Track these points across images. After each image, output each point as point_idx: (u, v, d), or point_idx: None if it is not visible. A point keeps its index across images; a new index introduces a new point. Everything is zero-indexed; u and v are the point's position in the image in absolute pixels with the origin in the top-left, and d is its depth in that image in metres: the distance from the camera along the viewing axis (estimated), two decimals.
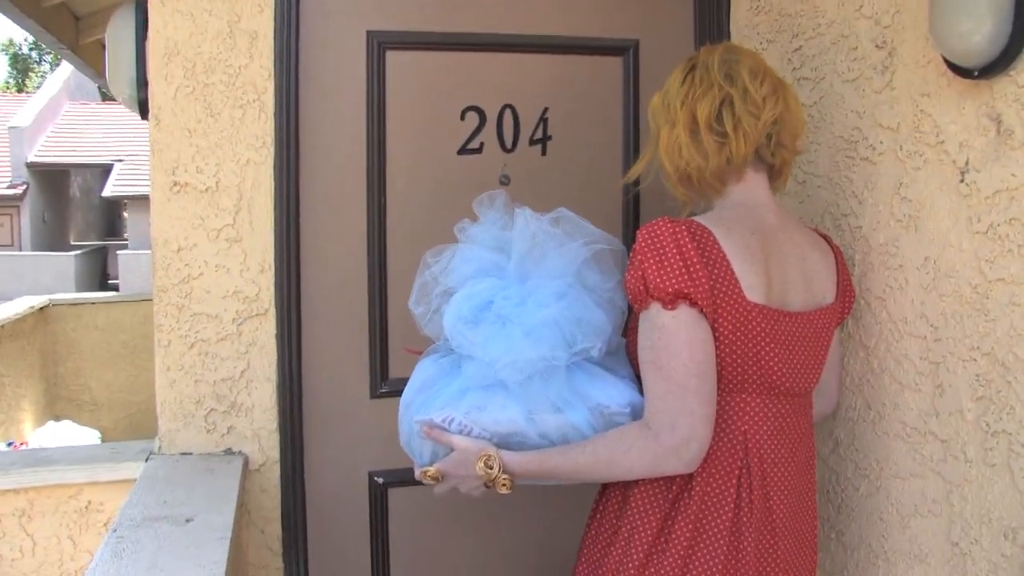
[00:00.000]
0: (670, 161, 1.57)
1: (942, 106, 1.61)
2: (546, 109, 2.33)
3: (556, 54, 2.33)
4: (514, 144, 2.32)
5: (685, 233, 1.40)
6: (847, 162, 1.88)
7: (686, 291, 1.37)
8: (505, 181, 2.28)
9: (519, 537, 2.39)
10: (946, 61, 1.55)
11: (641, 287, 1.41)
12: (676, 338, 1.38)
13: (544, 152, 2.34)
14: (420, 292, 1.62)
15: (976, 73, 1.47)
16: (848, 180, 1.87)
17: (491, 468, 1.47)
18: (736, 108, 1.50)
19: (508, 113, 2.31)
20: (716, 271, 1.40)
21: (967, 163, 1.54)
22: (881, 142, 1.77)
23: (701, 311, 1.38)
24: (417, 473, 1.59)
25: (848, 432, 1.90)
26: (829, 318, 1.59)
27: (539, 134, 2.33)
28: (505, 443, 1.50)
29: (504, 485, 1.48)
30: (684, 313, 1.38)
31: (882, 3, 1.76)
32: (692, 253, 1.38)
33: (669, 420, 1.38)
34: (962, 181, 1.55)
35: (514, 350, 1.48)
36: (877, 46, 1.78)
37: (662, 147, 1.58)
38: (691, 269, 1.38)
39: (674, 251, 1.39)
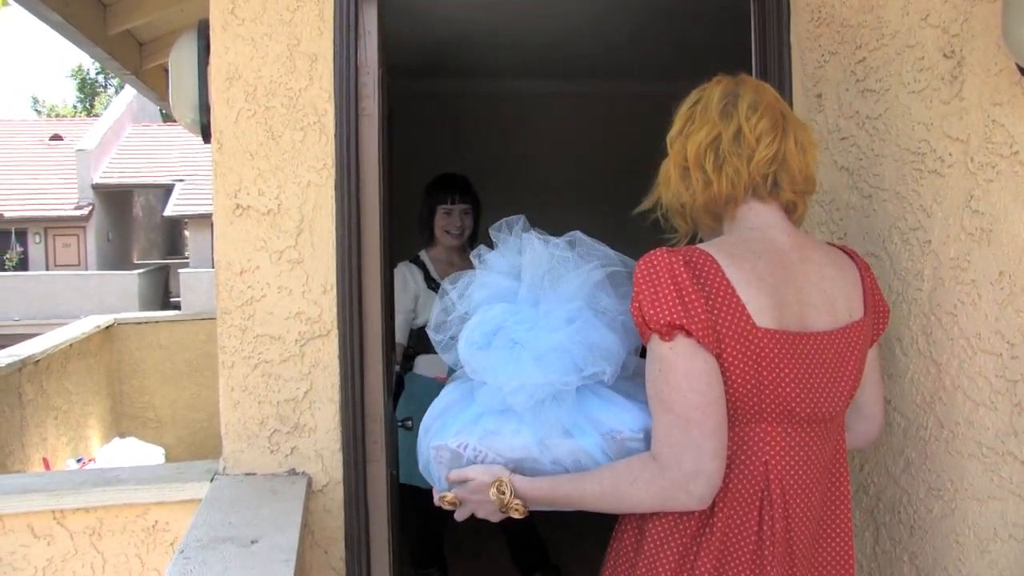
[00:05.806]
0: (664, 192, 1.57)
1: (1016, 115, 1.56)
2: None
3: None
4: None
5: (681, 263, 1.36)
6: (914, 175, 1.83)
7: (680, 322, 1.33)
8: None
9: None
10: (1020, 69, 1.50)
11: (640, 319, 1.38)
12: (675, 370, 1.35)
13: None
14: (439, 319, 1.63)
15: None
16: (916, 193, 1.83)
17: (503, 493, 1.47)
18: (723, 148, 1.47)
19: None
20: (718, 300, 1.36)
21: None
22: (950, 154, 1.73)
23: (699, 342, 1.34)
24: (436, 498, 1.58)
25: (920, 451, 1.85)
26: (858, 334, 1.51)
27: None
28: (519, 468, 1.50)
29: (516, 510, 1.47)
30: (681, 344, 1.35)
31: (949, 12, 1.72)
32: (687, 283, 1.35)
33: (674, 454, 1.34)
34: None
35: (523, 375, 1.48)
36: (945, 55, 1.74)
37: (659, 177, 1.58)
38: (685, 300, 1.34)
39: (668, 282, 1.35)
